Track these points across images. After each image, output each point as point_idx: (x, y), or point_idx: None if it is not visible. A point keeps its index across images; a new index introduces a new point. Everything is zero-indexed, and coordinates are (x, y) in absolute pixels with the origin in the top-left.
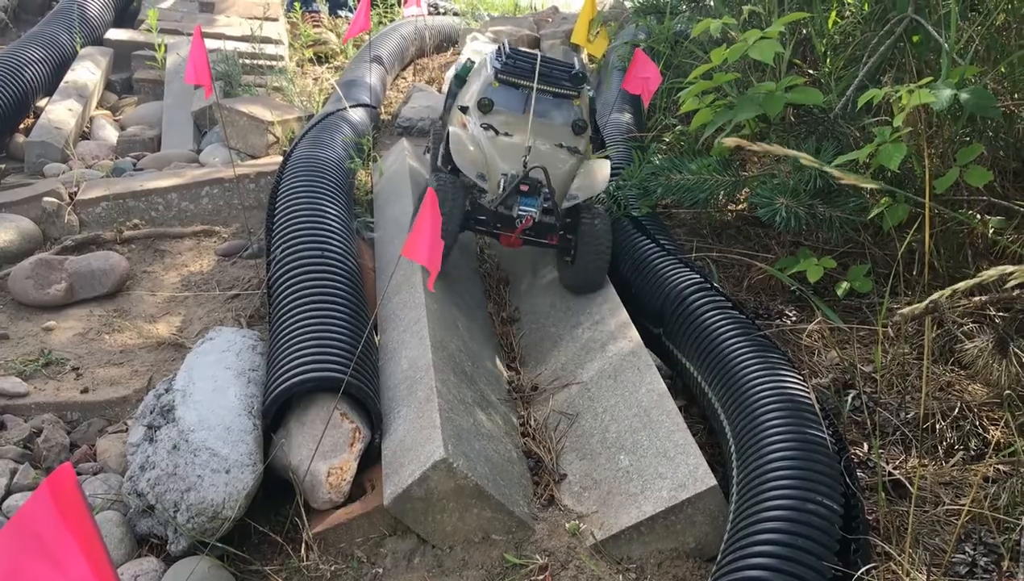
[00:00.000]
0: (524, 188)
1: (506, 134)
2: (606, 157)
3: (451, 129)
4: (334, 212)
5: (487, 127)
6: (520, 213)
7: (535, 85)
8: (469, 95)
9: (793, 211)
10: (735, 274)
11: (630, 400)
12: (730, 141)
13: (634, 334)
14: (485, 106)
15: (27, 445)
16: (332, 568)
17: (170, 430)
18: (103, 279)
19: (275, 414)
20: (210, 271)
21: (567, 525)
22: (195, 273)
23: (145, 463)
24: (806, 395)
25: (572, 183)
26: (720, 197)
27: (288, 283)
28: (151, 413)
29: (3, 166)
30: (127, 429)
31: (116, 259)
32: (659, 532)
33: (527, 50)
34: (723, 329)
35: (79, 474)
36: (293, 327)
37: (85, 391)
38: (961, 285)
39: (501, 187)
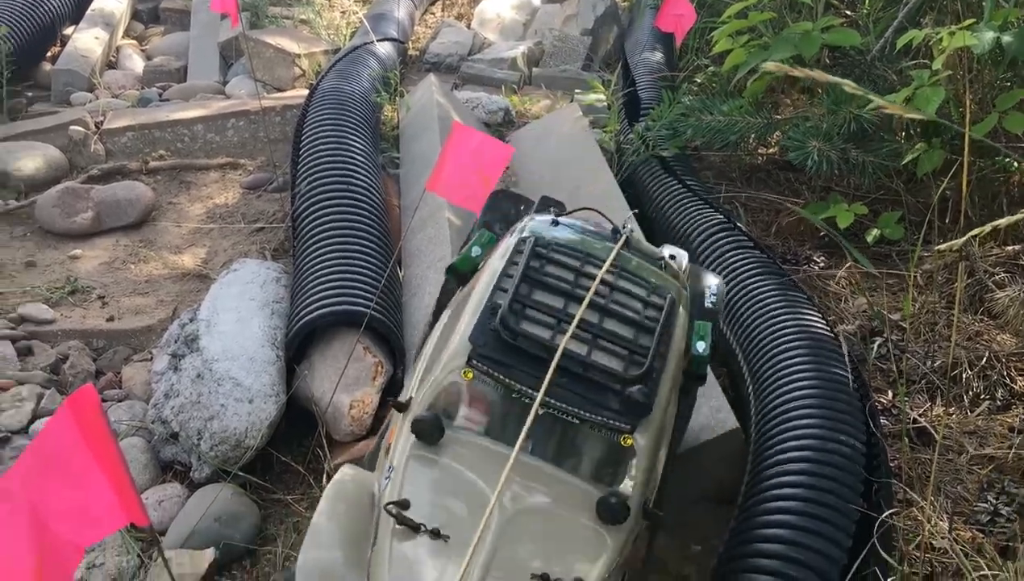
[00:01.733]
0: None
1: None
2: None
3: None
4: (360, 146)
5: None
6: None
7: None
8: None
9: (825, 155)
10: (763, 219)
11: None
12: (771, 65)
13: None
14: (427, 432)
15: (53, 371)
16: None
17: (194, 359)
18: (129, 209)
19: (298, 346)
20: (235, 204)
21: None
22: (220, 205)
23: (169, 391)
24: (829, 335)
25: None
26: (751, 140)
27: (313, 216)
28: (175, 342)
29: (30, 94)
30: (152, 358)
31: (142, 189)
32: (677, 473)
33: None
34: (746, 269)
35: (104, 401)
36: (317, 260)
37: (111, 319)
38: (1002, 222)
39: None
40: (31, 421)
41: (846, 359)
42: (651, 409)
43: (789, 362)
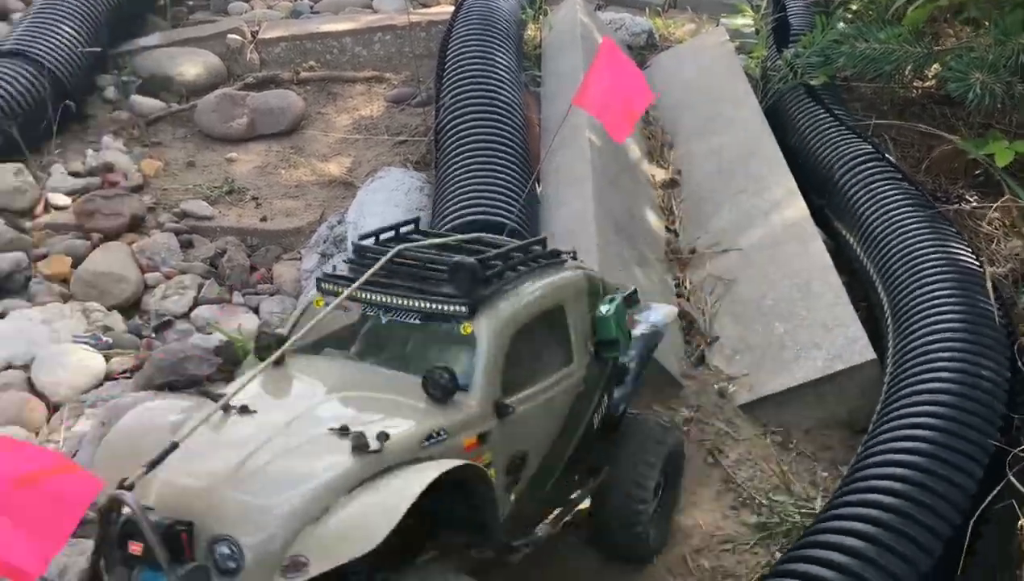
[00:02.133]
0: (134, 547)
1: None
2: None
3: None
4: (504, 62)
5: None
6: None
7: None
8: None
9: (989, 88)
10: (913, 154)
11: (790, 270)
12: None
13: (800, 203)
14: (267, 347)
15: (212, 263)
16: None
17: (341, 259)
18: (281, 117)
19: None
20: (379, 116)
21: (716, 385)
22: (365, 117)
23: None
24: (977, 269)
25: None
26: (907, 71)
27: (456, 129)
28: (324, 242)
29: (191, 3)
30: (300, 257)
31: (293, 98)
32: (809, 400)
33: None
34: (892, 201)
35: (257, 294)
36: (460, 172)
37: (264, 219)
38: None
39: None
40: (192, 307)
41: (991, 293)
42: (485, 290)
43: (933, 293)
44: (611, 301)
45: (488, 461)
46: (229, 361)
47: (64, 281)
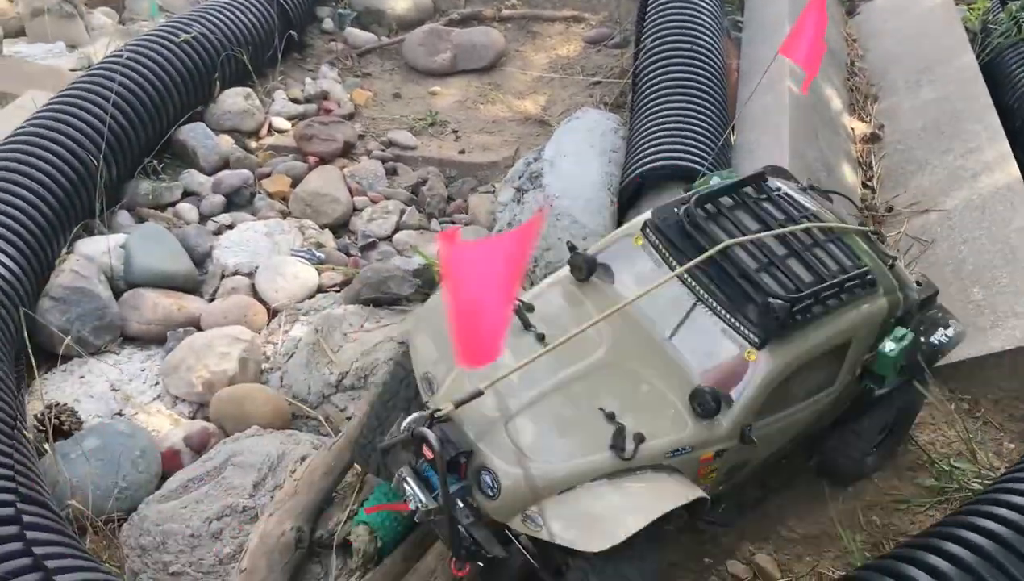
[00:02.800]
0: (428, 453)
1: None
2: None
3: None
4: (706, 7)
5: (528, 309)
6: (405, 491)
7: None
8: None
9: None
10: None
11: (996, 235)
12: None
13: (1013, 167)
14: (577, 266)
15: (413, 191)
16: None
17: (536, 194)
18: (482, 53)
19: (631, 194)
20: (576, 56)
21: None
22: (562, 56)
23: (512, 221)
24: None
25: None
26: None
27: (655, 73)
28: (520, 178)
29: None
30: (495, 191)
31: (495, 36)
32: (1003, 370)
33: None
34: None
35: (453, 223)
36: (655, 115)
37: (462, 152)
38: None
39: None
40: (394, 231)
41: None
42: (785, 329)
43: None
44: (902, 339)
45: (714, 469)
46: (427, 283)
47: (284, 199)
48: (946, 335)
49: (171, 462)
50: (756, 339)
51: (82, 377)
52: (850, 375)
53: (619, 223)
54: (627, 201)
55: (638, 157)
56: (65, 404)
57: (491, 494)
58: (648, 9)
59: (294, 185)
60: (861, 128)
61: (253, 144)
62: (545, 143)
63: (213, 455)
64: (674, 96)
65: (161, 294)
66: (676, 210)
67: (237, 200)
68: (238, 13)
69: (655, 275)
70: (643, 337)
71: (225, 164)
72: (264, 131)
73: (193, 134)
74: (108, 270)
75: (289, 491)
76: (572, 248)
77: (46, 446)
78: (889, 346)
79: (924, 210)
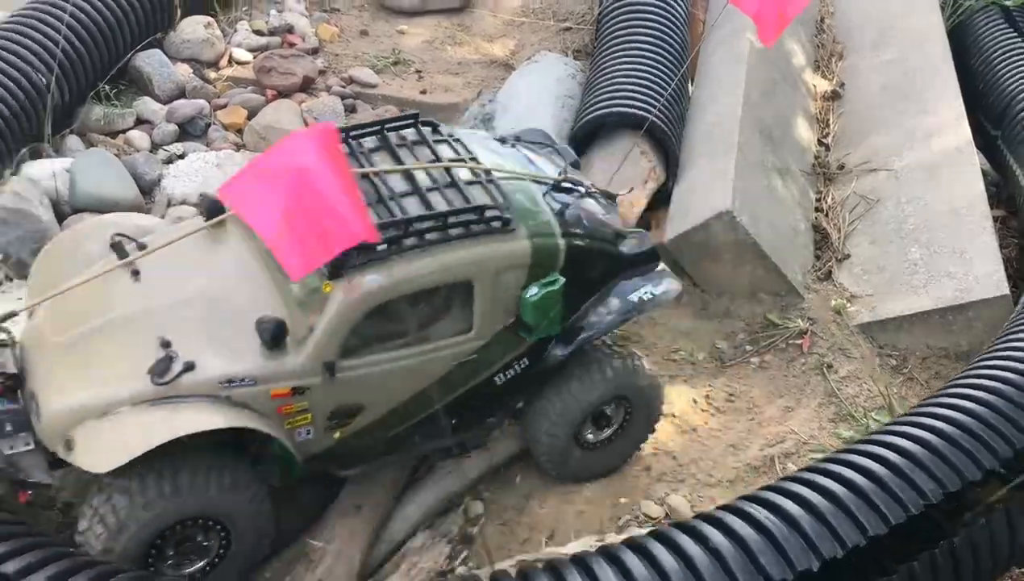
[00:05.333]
0: None
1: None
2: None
3: None
4: None
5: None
6: None
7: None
8: None
9: None
10: None
11: (940, 196)
12: None
13: (965, 130)
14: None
15: None
16: None
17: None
18: None
19: (581, 140)
20: (549, 1)
21: (835, 302)
22: (534, 1)
23: None
24: None
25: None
26: None
27: (616, 20)
28: (475, 120)
29: None
30: None
31: None
32: (932, 328)
33: None
34: None
35: None
36: (612, 62)
37: (423, 92)
38: None
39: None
40: None
41: None
42: (359, 260)
43: None
44: (546, 285)
45: (302, 408)
46: None
47: (239, 131)
48: (650, 292)
49: None
50: (325, 270)
51: (19, 299)
52: (496, 322)
53: None
54: (578, 147)
55: (591, 103)
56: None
57: (36, 420)
58: None
59: (250, 117)
60: (823, 85)
61: (212, 75)
62: (500, 87)
63: None
64: (631, 44)
65: None
66: None
67: (191, 130)
68: None
69: None
70: (253, 273)
71: (181, 93)
72: (224, 62)
73: (149, 61)
74: (52, 194)
75: None
76: (202, 195)
77: None
78: (531, 290)
79: (874, 169)
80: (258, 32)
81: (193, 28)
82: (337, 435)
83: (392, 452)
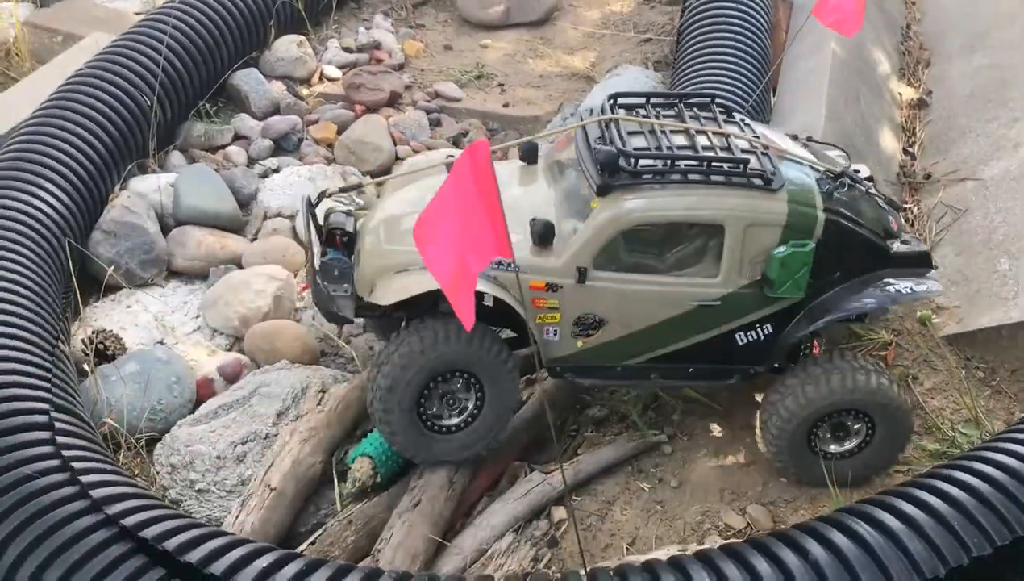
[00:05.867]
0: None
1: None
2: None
3: None
4: None
5: None
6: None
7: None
8: None
9: None
10: None
11: None
12: None
13: None
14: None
15: (454, 143)
16: None
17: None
18: (536, 6)
19: None
20: (629, 13)
21: (921, 313)
22: (615, 12)
23: None
24: None
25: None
26: None
27: (697, 30)
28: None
29: None
30: None
31: None
32: (1022, 340)
33: None
34: None
35: None
36: (694, 73)
37: (506, 105)
38: None
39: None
40: None
41: None
42: (620, 182)
43: None
44: (796, 245)
45: (553, 306)
46: None
47: (329, 146)
48: (910, 287)
49: (205, 389)
50: (594, 186)
51: (129, 307)
52: (743, 275)
53: None
54: None
55: None
56: (110, 331)
57: (357, 270)
58: None
59: (340, 132)
60: (909, 93)
61: (304, 91)
62: (582, 100)
63: (243, 384)
64: (713, 54)
65: (206, 232)
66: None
67: (285, 145)
68: None
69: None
70: (542, 189)
71: (275, 110)
72: (315, 79)
73: (246, 80)
74: (158, 207)
75: (324, 421)
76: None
77: (85, 367)
78: (780, 249)
79: (962, 178)
80: (347, 49)
81: (286, 47)
82: (580, 344)
83: (628, 379)
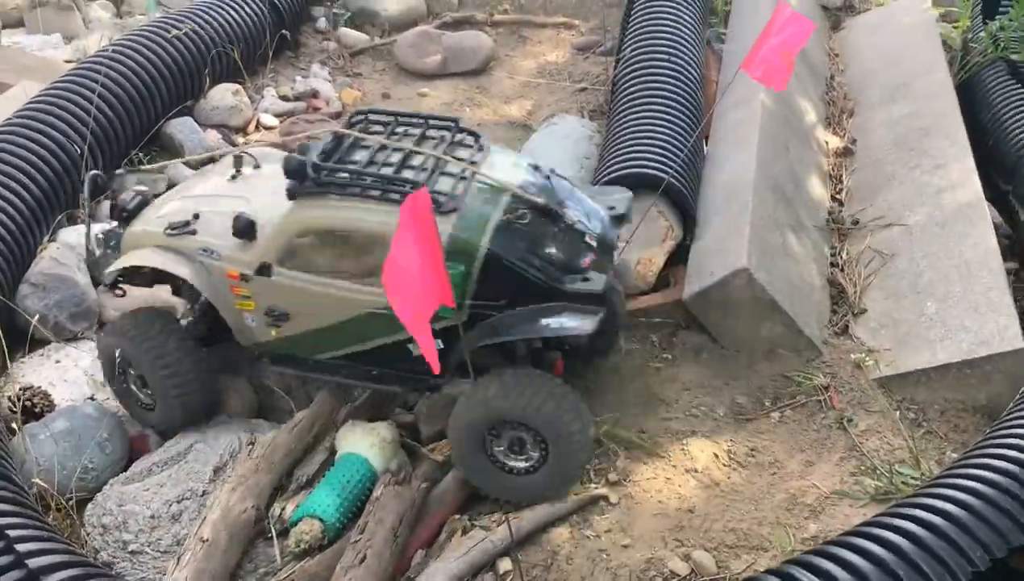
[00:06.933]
0: None
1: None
2: None
3: None
4: (689, 19)
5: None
6: None
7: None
8: None
9: None
10: None
11: (953, 250)
12: None
13: (975, 184)
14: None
15: None
16: (628, 347)
17: None
18: (472, 56)
19: None
20: (564, 63)
21: (853, 356)
22: (550, 63)
23: None
24: None
25: None
26: None
27: (631, 82)
28: None
29: None
30: None
31: (484, 40)
32: (949, 382)
33: None
34: None
35: None
36: (628, 124)
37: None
38: None
39: None
40: None
41: None
42: (306, 188)
43: None
44: (451, 268)
45: (246, 294)
46: None
47: None
48: (562, 324)
49: (140, 444)
50: (288, 189)
51: (58, 361)
52: None
53: None
54: None
55: (606, 165)
56: (39, 387)
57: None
58: (630, 19)
59: None
60: (835, 142)
61: (240, 140)
62: (521, 148)
63: (178, 440)
64: (647, 106)
65: None
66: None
67: None
68: (232, 11)
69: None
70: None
71: (211, 159)
72: (252, 127)
73: (180, 128)
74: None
75: (251, 468)
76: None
77: (14, 426)
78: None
79: (888, 224)
80: (284, 97)
81: (222, 95)
82: (274, 333)
83: (319, 373)
